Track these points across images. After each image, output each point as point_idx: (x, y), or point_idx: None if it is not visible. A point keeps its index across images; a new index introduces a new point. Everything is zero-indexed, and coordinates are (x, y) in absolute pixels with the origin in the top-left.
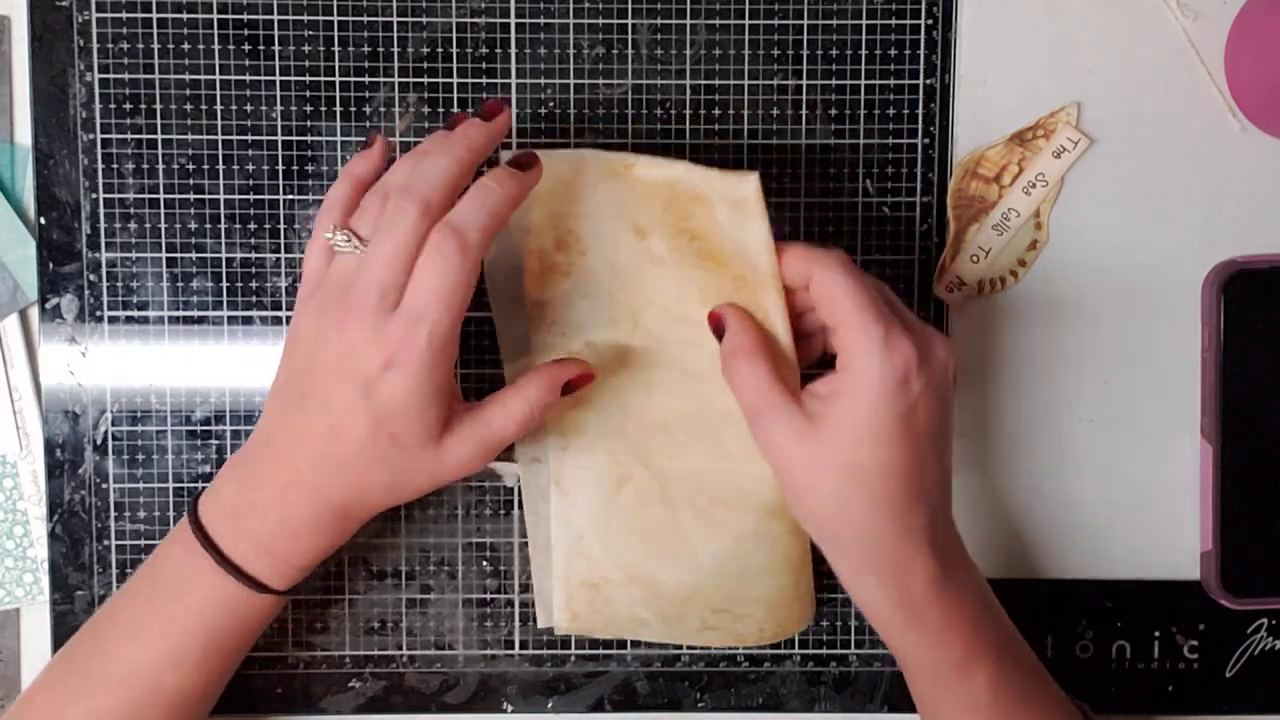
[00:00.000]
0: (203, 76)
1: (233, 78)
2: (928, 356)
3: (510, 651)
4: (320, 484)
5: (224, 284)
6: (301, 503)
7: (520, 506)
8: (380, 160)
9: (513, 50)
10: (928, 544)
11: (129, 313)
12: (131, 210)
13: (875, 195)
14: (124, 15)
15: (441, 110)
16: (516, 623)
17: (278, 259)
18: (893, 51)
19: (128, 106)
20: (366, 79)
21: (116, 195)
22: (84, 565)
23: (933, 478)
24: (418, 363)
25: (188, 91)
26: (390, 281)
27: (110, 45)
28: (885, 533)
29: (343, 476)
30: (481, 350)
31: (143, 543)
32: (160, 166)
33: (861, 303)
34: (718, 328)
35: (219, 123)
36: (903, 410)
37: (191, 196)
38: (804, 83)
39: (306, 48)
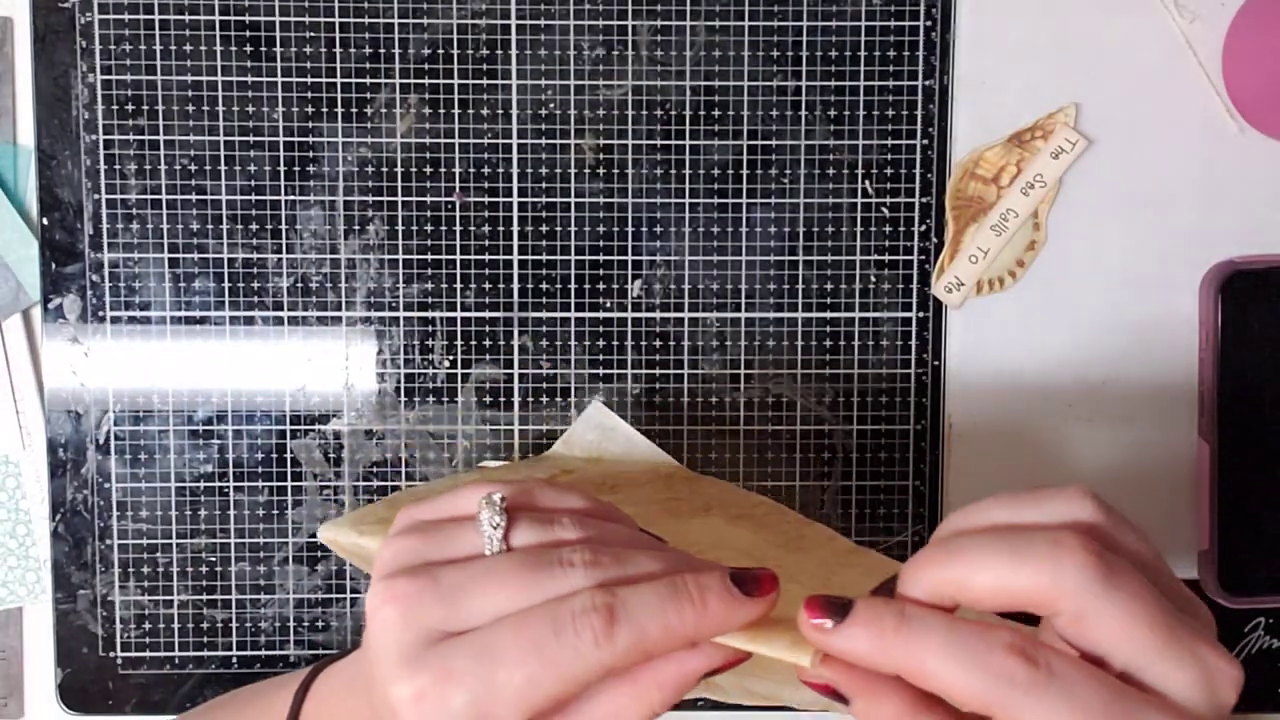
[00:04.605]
0: (204, 78)
1: (234, 79)
2: (1219, 711)
3: None
4: None
5: (226, 284)
6: None
7: None
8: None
9: (513, 51)
10: None
11: (131, 313)
12: (134, 211)
13: (875, 195)
14: (126, 17)
15: (442, 111)
16: None
17: (279, 259)
18: (892, 53)
19: (130, 107)
20: (368, 80)
21: (119, 196)
22: (86, 564)
23: None
24: None
25: (190, 92)
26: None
27: (112, 46)
28: None
29: None
30: (482, 350)
31: (145, 542)
32: (162, 167)
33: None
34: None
35: (221, 124)
36: None
37: (194, 197)
38: (804, 83)
39: (308, 49)
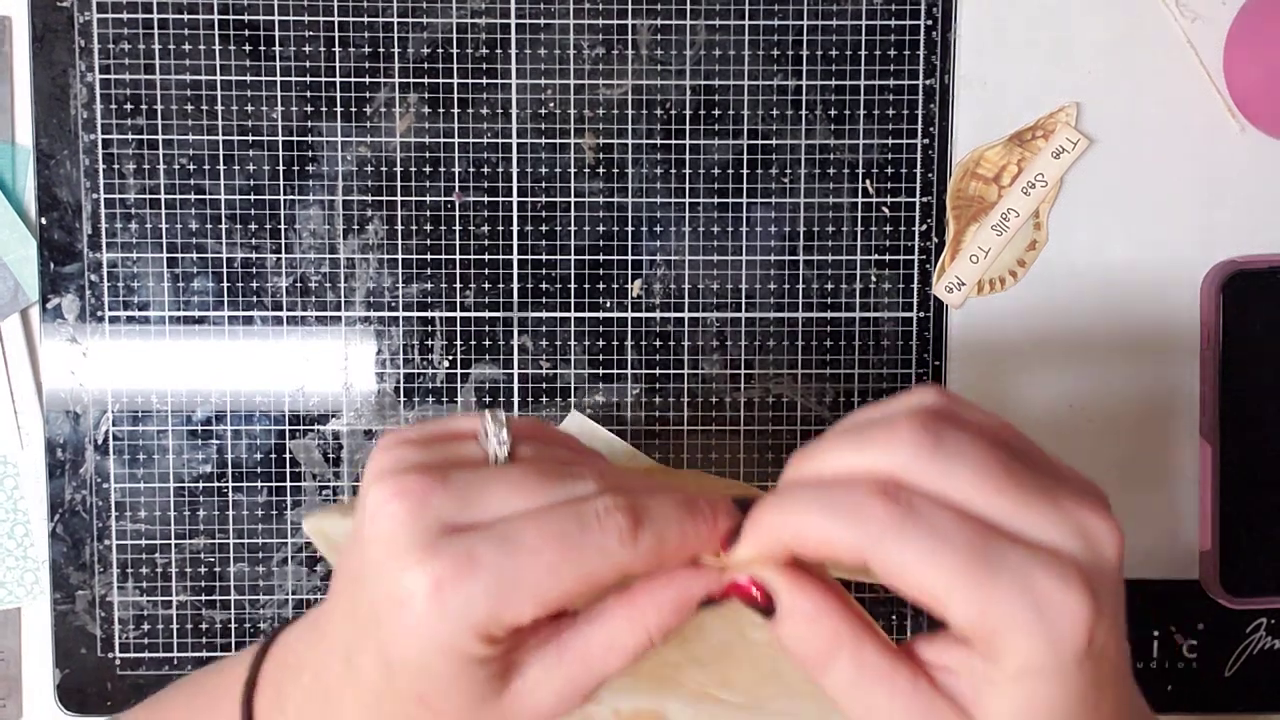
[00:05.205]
0: (203, 77)
1: (233, 78)
2: (1098, 562)
3: None
4: None
5: (225, 284)
6: None
7: None
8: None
9: (513, 50)
10: None
11: (130, 313)
12: (132, 210)
13: (875, 195)
14: (125, 16)
15: (442, 110)
16: None
17: (278, 259)
18: (892, 52)
19: (128, 107)
20: (367, 79)
21: (117, 195)
22: (85, 565)
23: None
24: (461, 612)
25: (188, 92)
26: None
27: (111, 46)
28: None
29: None
30: (482, 350)
31: (144, 542)
32: (161, 167)
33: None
34: (764, 603)
35: (220, 123)
36: (1091, 689)
37: (192, 197)
38: (804, 83)
39: (307, 48)
